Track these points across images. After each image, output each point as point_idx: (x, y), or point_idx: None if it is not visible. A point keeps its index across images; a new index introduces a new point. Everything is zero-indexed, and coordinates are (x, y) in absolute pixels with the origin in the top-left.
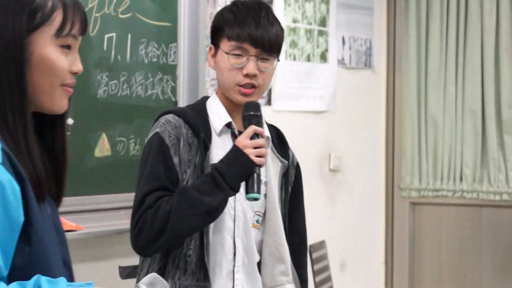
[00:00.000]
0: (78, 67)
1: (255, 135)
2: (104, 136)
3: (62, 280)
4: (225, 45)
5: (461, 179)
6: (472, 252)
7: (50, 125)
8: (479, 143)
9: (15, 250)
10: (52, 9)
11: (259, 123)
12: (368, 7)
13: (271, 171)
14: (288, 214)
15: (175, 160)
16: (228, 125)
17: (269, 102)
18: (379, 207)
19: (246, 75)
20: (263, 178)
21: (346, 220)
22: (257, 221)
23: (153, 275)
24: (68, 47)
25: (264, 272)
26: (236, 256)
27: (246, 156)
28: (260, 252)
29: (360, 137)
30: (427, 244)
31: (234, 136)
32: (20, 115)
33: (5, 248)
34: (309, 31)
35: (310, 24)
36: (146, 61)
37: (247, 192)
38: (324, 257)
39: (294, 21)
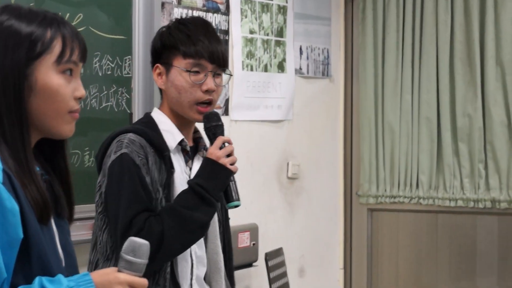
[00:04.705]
0: (81, 92)
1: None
2: None
3: (61, 277)
4: (181, 63)
5: (417, 185)
6: (429, 256)
7: (53, 151)
8: (435, 150)
9: (16, 268)
10: (51, 38)
11: (223, 132)
12: (326, 17)
13: None
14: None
15: (147, 180)
16: (179, 142)
17: (226, 112)
18: (338, 214)
19: (206, 91)
20: None
21: (305, 227)
22: None
23: (130, 240)
24: (69, 71)
25: (208, 281)
26: (193, 268)
27: (223, 167)
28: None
29: (318, 145)
30: (385, 249)
31: (186, 153)
32: (20, 141)
33: (5, 261)
34: (266, 42)
35: (267, 34)
36: (100, 74)
37: (228, 201)
38: (281, 264)
39: (251, 32)
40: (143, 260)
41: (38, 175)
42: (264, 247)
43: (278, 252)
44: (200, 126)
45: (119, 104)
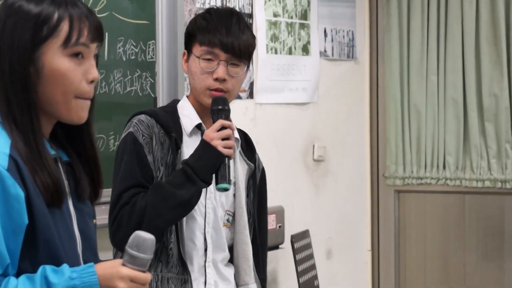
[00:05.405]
0: (93, 74)
1: (223, 128)
2: None
3: (65, 267)
4: (197, 50)
5: (444, 166)
6: (456, 238)
7: (77, 134)
8: (461, 131)
9: (22, 254)
10: (58, 20)
11: (226, 117)
12: None
13: (239, 173)
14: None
15: (149, 158)
16: (199, 127)
17: (251, 96)
18: (365, 196)
19: (216, 80)
20: (232, 178)
21: (332, 209)
22: (228, 220)
23: (135, 234)
24: (78, 55)
25: (235, 269)
26: (207, 252)
27: (213, 148)
28: (232, 250)
29: (344, 127)
30: (412, 231)
31: None
32: (30, 126)
33: (9, 247)
34: (290, 25)
35: (291, 17)
36: (124, 59)
37: (217, 183)
38: (307, 246)
39: (275, 15)
40: (147, 255)
41: (51, 159)
42: (290, 229)
43: (304, 234)
44: (237, 116)
45: (143, 88)
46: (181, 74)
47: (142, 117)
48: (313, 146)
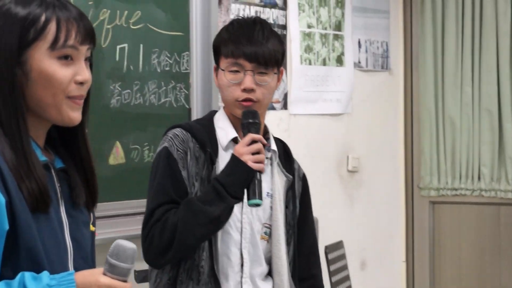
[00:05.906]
0: (83, 76)
1: (254, 142)
2: (118, 144)
3: (44, 274)
4: (223, 62)
5: (479, 178)
6: (492, 249)
7: (71, 137)
8: (496, 142)
9: (3, 260)
10: (45, 23)
11: (257, 130)
12: (384, 10)
13: (276, 185)
14: (298, 226)
15: (184, 173)
16: (235, 140)
17: (285, 106)
18: (399, 207)
19: (244, 90)
20: (269, 190)
21: (366, 220)
22: (266, 233)
23: (116, 243)
24: (66, 57)
25: (274, 283)
26: (244, 267)
27: (243, 164)
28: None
29: (379, 138)
30: (447, 242)
31: None
32: (17, 131)
33: None
34: (324, 36)
35: (325, 28)
36: (158, 70)
37: (248, 198)
38: (341, 257)
39: (309, 26)
40: (126, 265)
41: (39, 164)
42: (324, 240)
43: (338, 245)
44: (271, 127)
45: (177, 99)
46: (215, 85)
47: (177, 131)
48: (347, 157)
